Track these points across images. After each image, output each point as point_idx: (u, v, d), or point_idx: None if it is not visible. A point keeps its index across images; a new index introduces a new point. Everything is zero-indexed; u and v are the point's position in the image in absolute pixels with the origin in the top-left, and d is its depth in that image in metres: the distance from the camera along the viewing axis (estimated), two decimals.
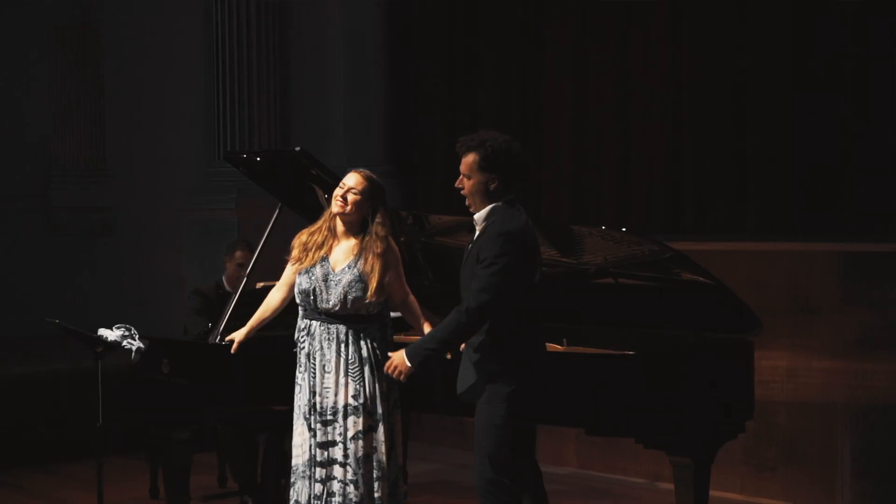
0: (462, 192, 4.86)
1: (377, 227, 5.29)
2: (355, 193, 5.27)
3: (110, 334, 5.64)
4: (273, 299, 5.61)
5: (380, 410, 5.27)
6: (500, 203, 4.79)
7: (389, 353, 5.03)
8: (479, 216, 4.82)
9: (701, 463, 5.15)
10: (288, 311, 5.59)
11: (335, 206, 5.29)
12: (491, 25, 9.67)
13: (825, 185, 7.86)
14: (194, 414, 6.05)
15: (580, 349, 5.68)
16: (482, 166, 4.78)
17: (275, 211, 6.15)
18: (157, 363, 6.03)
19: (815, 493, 7.00)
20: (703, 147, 8.44)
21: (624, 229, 5.43)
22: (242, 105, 9.99)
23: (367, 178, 5.32)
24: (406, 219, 6.34)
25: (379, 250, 5.26)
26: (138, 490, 7.46)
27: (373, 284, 5.22)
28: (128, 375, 6.26)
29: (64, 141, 11.61)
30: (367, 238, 5.30)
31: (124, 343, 5.64)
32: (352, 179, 5.31)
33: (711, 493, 5.30)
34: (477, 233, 4.84)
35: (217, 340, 5.87)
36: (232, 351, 5.61)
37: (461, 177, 4.85)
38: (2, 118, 11.26)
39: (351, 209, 5.27)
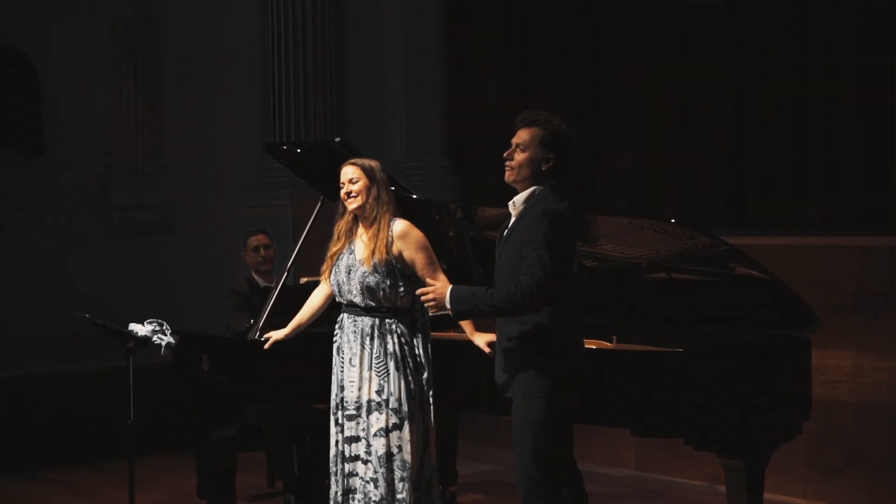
0: (509, 163, 4.63)
1: (374, 210, 5.18)
2: (354, 182, 5.19)
3: (141, 329, 5.53)
4: (314, 300, 5.52)
5: (406, 408, 5.12)
6: (543, 186, 4.60)
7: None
8: (519, 198, 4.62)
9: (753, 465, 4.91)
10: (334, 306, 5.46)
11: (348, 205, 5.23)
12: (546, 23, 9.53)
13: (891, 178, 7.59)
14: (235, 412, 5.92)
15: (629, 346, 5.47)
16: (544, 142, 4.58)
17: (328, 205, 6.01)
18: (197, 359, 5.94)
19: (881, 496, 6.74)
20: (765, 140, 8.24)
21: (673, 221, 5.22)
22: (298, 99, 9.92)
23: (359, 165, 5.24)
24: (455, 212, 6.18)
25: (384, 236, 5.15)
26: (185, 487, 7.38)
27: (373, 259, 5.09)
28: (170, 371, 6.19)
29: (122, 138, 11.67)
30: (376, 223, 5.19)
31: (154, 338, 5.53)
32: (348, 173, 5.23)
33: (772, 496, 5.11)
34: (514, 216, 4.63)
35: (256, 337, 5.74)
36: (266, 347, 5.50)
37: (514, 148, 4.63)
38: (62, 114, 11.32)
39: (361, 199, 5.19)
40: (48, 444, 8.22)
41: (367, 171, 5.21)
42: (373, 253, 5.12)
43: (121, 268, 11.31)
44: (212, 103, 11.15)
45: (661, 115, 8.82)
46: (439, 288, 4.65)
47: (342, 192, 5.21)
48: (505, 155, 4.66)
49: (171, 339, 5.61)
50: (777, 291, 5.10)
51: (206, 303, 10.29)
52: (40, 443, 8.21)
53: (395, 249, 5.14)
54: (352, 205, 5.20)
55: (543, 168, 4.59)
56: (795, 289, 5.14)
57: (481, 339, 5.09)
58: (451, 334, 5.75)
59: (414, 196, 6.01)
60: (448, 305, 4.59)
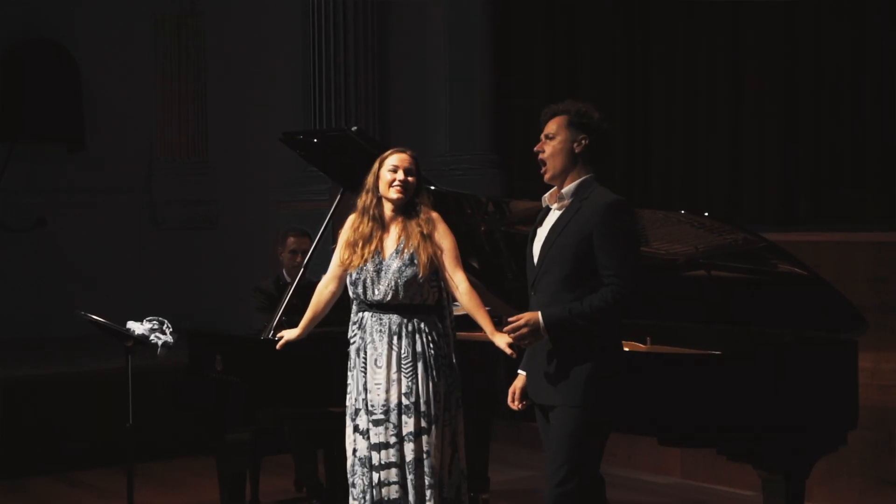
0: (542, 156, 4.34)
1: (423, 207, 4.99)
2: (412, 175, 4.97)
3: (139, 327, 5.28)
4: (322, 295, 5.21)
5: (433, 412, 4.86)
6: (587, 177, 4.30)
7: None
8: (567, 190, 4.30)
9: (792, 478, 4.58)
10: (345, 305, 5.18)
11: (393, 192, 4.95)
12: (591, 15, 9.30)
13: None
14: (247, 415, 5.68)
15: (663, 348, 5.14)
16: (572, 123, 4.31)
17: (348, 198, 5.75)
18: (211, 359, 5.72)
19: None
20: (819, 132, 7.89)
21: (707, 214, 4.88)
22: (340, 93, 9.78)
23: (412, 156, 5.03)
24: (486, 206, 5.89)
25: (426, 230, 4.94)
26: (216, 492, 7.17)
27: (422, 260, 4.87)
28: (186, 371, 6.02)
29: (165, 132, 11.58)
30: (412, 217, 4.97)
31: (151, 337, 5.27)
32: (404, 161, 4.98)
33: None
34: (555, 208, 4.32)
35: (270, 336, 5.48)
36: (277, 347, 5.22)
37: (543, 140, 4.35)
38: (104, 109, 11.23)
39: (409, 195, 4.97)
40: (75, 445, 8.07)
41: (419, 167, 5.04)
42: (410, 244, 4.90)
43: (163, 263, 11.20)
44: (255, 98, 11.10)
45: (712, 107, 8.52)
46: (528, 318, 4.24)
47: (394, 178, 4.92)
48: (536, 149, 4.39)
49: (170, 339, 5.35)
50: (821, 291, 4.78)
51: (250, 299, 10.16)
52: (68, 444, 8.07)
53: (430, 240, 4.93)
54: (397, 195, 4.94)
55: (576, 150, 4.31)
56: (849, 287, 4.84)
57: (502, 340, 4.75)
58: (468, 335, 5.45)
59: (434, 188, 5.70)
60: (547, 334, 4.21)
